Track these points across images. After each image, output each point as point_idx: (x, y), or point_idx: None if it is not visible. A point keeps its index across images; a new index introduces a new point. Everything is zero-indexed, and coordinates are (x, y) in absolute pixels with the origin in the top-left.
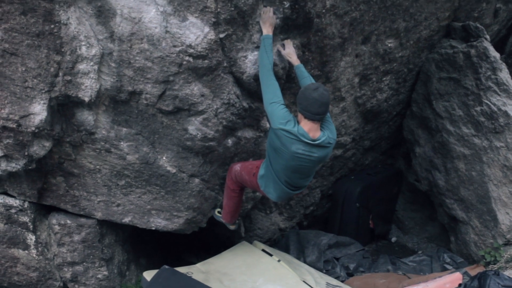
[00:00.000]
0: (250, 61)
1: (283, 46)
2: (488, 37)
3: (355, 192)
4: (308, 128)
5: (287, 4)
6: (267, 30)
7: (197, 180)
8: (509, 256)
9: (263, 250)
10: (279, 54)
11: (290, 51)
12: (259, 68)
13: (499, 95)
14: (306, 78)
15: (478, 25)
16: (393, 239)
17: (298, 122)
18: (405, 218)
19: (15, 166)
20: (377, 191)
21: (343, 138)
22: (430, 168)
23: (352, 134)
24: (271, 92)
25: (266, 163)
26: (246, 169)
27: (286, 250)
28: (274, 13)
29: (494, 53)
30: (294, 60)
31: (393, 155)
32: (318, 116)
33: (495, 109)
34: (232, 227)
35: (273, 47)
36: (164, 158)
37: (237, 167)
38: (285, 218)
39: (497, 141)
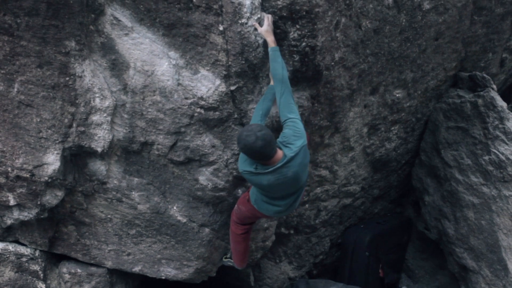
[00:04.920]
0: None
1: (261, 22)
2: (495, 86)
3: (365, 240)
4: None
5: (296, 57)
6: (272, 39)
7: (207, 230)
8: None
9: None
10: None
11: (268, 29)
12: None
13: (507, 144)
14: (278, 63)
15: (485, 75)
16: None
17: None
18: (415, 266)
19: (28, 215)
20: (386, 240)
21: (352, 187)
22: (439, 216)
23: (361, 183)
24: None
25: (252, 190)
26: (241, 201)
27: None
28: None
29: (501, 103)
30: (271, 40)
31: (402, 204)
32: (262, 160)
33: (503, 158)
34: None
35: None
36: (174, 207)
37: (235, 207)
38: (295, 267)
39: (506, 190)
